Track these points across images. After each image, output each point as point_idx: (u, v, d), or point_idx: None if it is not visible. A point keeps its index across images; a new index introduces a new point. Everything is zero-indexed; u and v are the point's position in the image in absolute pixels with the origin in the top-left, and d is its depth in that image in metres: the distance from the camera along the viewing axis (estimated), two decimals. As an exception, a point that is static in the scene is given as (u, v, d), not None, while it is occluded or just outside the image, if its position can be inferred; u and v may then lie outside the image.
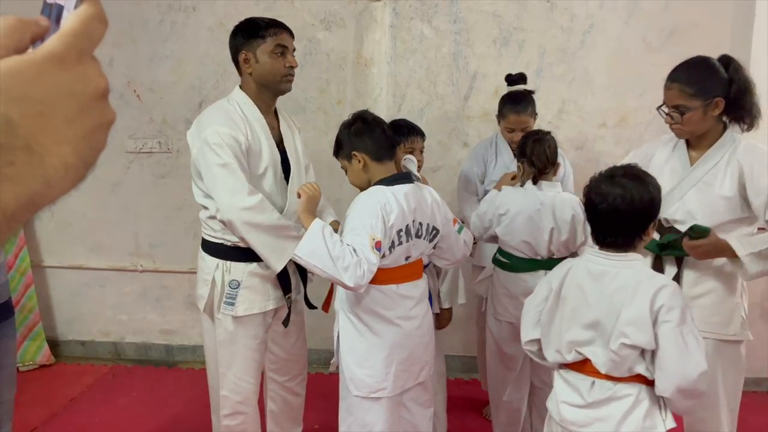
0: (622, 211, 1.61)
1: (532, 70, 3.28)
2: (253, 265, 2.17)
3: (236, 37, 2.16)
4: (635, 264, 1.67)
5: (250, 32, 2.13)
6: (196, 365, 3.63)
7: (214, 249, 2.19)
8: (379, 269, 1.88)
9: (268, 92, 2.19)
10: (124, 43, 3.40)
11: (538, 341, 1.83)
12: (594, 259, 1.71)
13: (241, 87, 2.20)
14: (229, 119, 2.08)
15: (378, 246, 1.83)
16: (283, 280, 2.22)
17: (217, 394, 2.28)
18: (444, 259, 2.19)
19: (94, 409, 3.16)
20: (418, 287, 2.07)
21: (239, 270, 2.17)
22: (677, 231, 2.06)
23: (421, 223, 1.99)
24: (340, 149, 2.04)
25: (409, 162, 2.17)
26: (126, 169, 3.58)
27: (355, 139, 1.98)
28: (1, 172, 0.35)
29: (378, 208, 1.87)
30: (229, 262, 2.17)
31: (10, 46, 0.39)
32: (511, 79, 2.82)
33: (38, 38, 0.41)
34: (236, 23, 2.19)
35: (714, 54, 2.05)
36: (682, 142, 2.13)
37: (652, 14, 3.20)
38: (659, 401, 1.66)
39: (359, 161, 1.97)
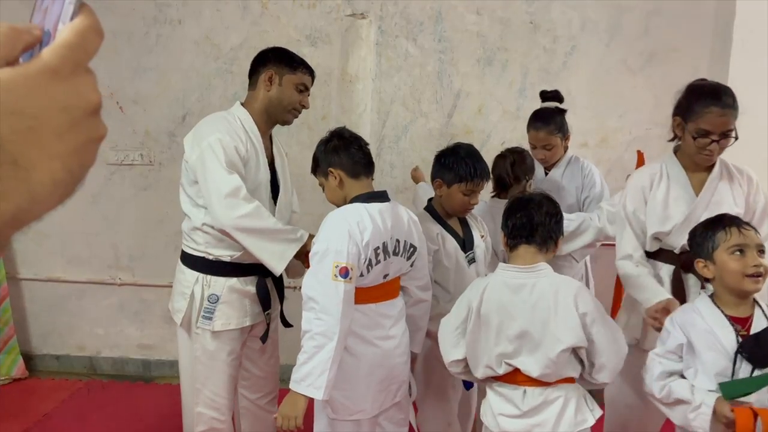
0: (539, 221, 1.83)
1: (515, 89, 3.32)
2: (234, 280, 2.16)
3: (267, 55, 2.19)
4: (546, 272, 1.82)
5: (285, 59, 2.18)
6: (173, 380, 3.56)
7: (195, 262, 2.17)
8: (358, 288, 1.87)
9: (270, 117, 2.21)
10: (107, 55, 3.38)
11: (462, 361, 1.91)
12: (509, 274, 1.84)
13: (243, 104, 2.21)
14: (232, 129, 2.10)
15: (342, 272, 1.81)
16: (262, 295, 2.21)
17: (191, 411, 2.24)
18: (417, 279, 2.13)
19: (68, 425, 3.10)
20: (396, 306, 2.06)
21: (219, 284, 2.15)
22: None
23: (398, 240, 1.98)
24: (317, 166, 2.05)
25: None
26: (107, 180, 3.54)
27: (332, 156, 2.00)
28: None
29: (346, 230, 1.84)
30: (209, 276, 2.15)
31: (1, 56, 0.37)
32: (545, 96, 2.79)
33: (30, 47, 0.39)
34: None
35: (692, 77, 2.09)
36: (673, 172, 2.11)
37: (632, 38, 3.26)
38: (584, 395, 1.81)
39: (335, 178, 1.98)
